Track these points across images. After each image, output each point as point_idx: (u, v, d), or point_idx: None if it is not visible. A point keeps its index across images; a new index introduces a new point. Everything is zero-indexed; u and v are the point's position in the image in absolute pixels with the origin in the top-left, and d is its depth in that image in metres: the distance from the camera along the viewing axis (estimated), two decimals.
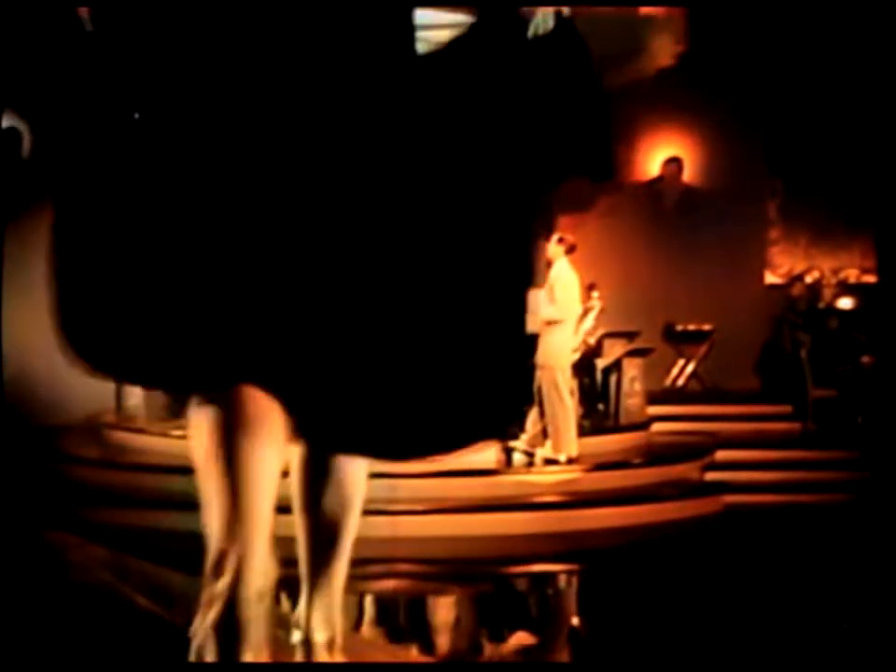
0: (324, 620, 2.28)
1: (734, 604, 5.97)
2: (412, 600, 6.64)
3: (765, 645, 5.07)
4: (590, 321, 10.78)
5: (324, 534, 2.25)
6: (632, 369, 10.30)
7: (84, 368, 1.83)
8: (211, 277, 1.72)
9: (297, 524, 2.29)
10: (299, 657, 2.31)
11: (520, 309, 1.86)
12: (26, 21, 2.05)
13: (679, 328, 12.74)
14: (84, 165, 1.80)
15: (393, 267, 1.76)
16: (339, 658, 2.29)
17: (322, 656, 2.26)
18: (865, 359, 11.50)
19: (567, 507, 8.12)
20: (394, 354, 1.77)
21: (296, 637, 2.31)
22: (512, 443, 8.88)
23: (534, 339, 9.01)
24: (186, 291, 1.73)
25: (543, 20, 1.94)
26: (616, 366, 10.33)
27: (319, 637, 2.27)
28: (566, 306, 8.61)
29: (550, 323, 8.47)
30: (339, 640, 2.28)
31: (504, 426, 2.02)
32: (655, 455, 9.50)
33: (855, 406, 11.08)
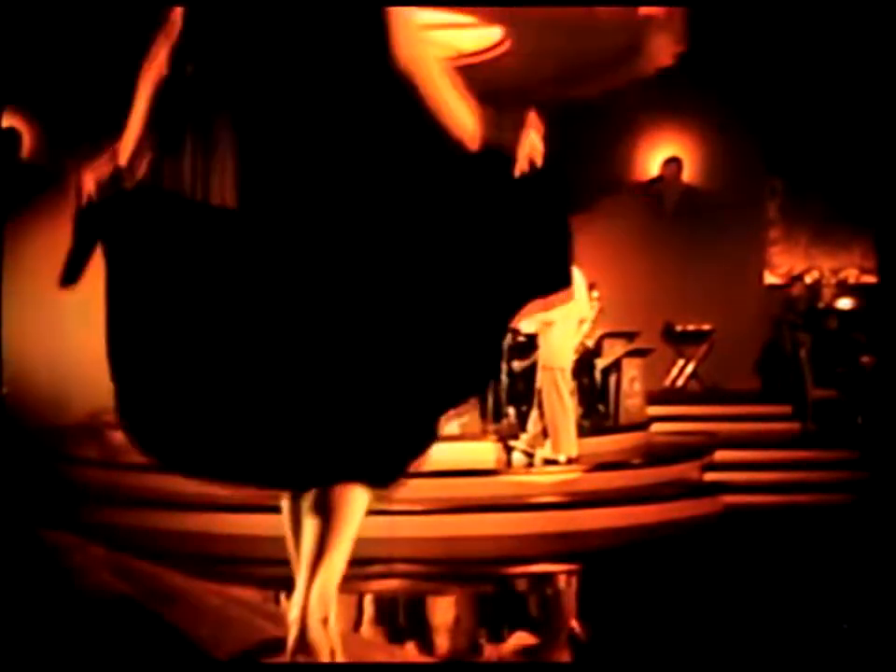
0: (320, 598, 2.39)
1: (733, 604, 5.97)
2: (411, 600, 6.64)
3: (765, 645, 5.07)
4: (588, 323, 10.76)
5: (327, 516, 2.41)
6: (631, 369, 10.29)
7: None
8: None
9: (304, 508, 2.46)
10: (293, 633, 2.38)
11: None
12: None
13: (679, 328, 12.74)
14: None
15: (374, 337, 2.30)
16: (332, 636, 2.41)
17: (317, 632, 2.36)
18: (865, 359, 11.50)
19: (567, 507, 8.12)
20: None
21: (293, 613, 2.39)
22: (512, 443, 8.88)
23: (533, 339, 9.01)
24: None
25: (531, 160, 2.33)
26: (616, 366, 10.32)
27: (315, 613, 2.38)
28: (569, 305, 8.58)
29: (548, 323, 8.45)
30: (332, 620, 2.41)
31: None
32: (655, 455, 9.49)
33: (855, 406, 11.08)
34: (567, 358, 8.80)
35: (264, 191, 2.28)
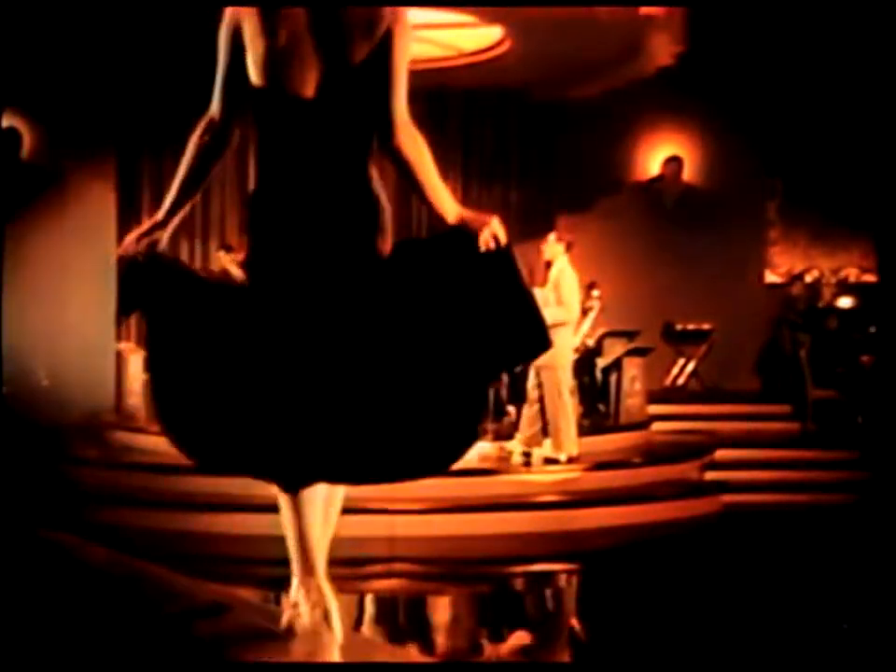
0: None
1: (733, 603, 5.98)
2: (411, 600, 6.64)
3: (765, 645, 5.08)
4: (589, 322, 10.77)
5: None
6: (632, 368, 10.29)
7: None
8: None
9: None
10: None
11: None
12: None
13: (679, 327, 12.74)
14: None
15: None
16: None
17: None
18: (865, 359, 11.51)
19: (567, 506, 8.12)
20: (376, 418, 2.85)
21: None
22: (509, 444, 8.86)
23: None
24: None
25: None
26: (616, 365, 10.32)
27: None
28: (571, 307, 8.57)
29: (555, 324, 8.43)
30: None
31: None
32: (655, 454, 9.50)
33: (854, 406, 11.09)
34: (567, 357, 8.78)
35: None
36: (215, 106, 2.86)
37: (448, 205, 2.87)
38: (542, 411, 8.68)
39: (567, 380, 8.65)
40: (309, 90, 2.74)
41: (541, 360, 8.72)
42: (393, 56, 2.75)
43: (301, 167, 2.80)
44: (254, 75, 2.76)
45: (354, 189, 2.83)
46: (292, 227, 2.80)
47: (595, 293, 11.13)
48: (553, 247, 8.65)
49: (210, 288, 3.07)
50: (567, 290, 8.51)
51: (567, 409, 8.57)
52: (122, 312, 2.96)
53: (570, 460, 8.53)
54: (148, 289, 2.90)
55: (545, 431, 8.67)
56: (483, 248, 2.85)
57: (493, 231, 2.85)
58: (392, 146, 2.81)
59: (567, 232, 9.31)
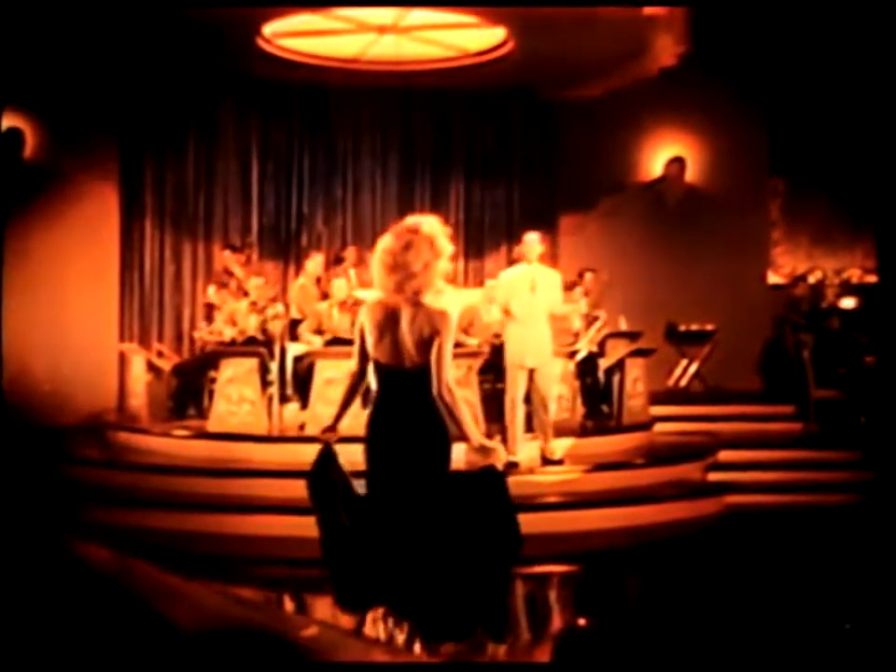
0: None
1: (736, 604, 5.97)
2: None
3: (769, 646, 5.06)
4: (593, 330, 10.74)
5: None
6: (635, 369, 10.28)
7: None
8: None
9: None
10: None
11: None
12: None
13: (682, 328, 12.73)
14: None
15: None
16: None
17: None
18: (868, 359, 11.49)
19: (570, 507, 8.11)
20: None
21: None
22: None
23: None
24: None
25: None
26: (619, 366, 10.31)
27: None
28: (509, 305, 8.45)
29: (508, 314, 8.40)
30: None
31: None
32: (658, 455, 9.49)
33: (857, 406, 11.07)
34: (530, 357, 8.35)
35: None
36: (354, 364, 4.76)
37: (474, 436, 4.54)
38: (528, 415, 8.56)
39: (515, 383, 8.38)
40: (400, 361, 4.61)
41: (505, 358, 8.52)
42: (441, 344, 4.52)
43: (396, 399, 4.65)
44: (371, 350, 4.65)
45: (429, 417, 4.56)
46: (393, 445, 4.61)
47: (595, 310, 11.00)
48: (538, 247, 8.52)
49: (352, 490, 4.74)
50: (555, 294, 8.49)
51: (514, 412, 8.36)
52: (312, 488, 4.65)
53: (509, 464, 8.02)
54: (327, 473, 4.69)
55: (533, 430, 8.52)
56: (488, 465, 4.56)
57: (496, 458, 4.57)
58: (437, 395, 4.51)
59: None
